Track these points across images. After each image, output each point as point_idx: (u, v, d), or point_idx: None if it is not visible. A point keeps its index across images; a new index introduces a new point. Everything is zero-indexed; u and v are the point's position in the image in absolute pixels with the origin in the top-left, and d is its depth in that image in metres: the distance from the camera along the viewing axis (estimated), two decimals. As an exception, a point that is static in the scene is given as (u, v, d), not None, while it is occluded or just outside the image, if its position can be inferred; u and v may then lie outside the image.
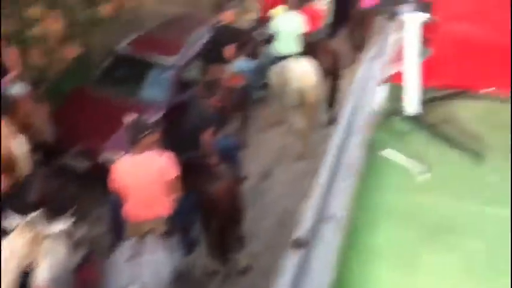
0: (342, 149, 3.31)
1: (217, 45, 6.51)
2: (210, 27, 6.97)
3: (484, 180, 3.07)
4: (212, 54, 6.46)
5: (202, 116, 4.88)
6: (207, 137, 4.73)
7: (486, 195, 2.96)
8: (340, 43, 8.32)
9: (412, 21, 3.13)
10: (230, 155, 5.20)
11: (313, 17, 7.38)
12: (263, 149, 6.80)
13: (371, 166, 3.18)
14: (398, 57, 3.49)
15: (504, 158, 3.23)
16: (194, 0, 8.68)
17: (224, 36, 6.58)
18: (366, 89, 3.38)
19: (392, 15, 2.98)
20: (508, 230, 2.69)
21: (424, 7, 2.99)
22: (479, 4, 3.80)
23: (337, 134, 3.36)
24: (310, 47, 6.81)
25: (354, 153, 3.20)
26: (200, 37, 7.11)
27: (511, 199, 2.84)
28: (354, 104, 3.29)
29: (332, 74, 7.04)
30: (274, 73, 6.73)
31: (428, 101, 3.73)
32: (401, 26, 3.39)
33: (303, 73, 6.46)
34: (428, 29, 3.39)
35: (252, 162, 6.26)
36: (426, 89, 3.66)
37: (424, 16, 3.07)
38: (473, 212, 2.84)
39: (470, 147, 3.28)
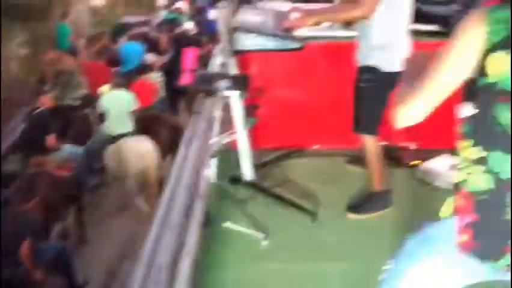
0: (183, 227, 3.16)
1: (37, 133, 6.04)
2: (27, 114, 6.48)
3: (323, 239, 3.09)
4: (32, 144, 5.96)
5: (17, 225, 4.35)
6: (25, 249, 4.21)
7: (327, 252, 2.98)
8: (177, 117, 8.08)
9: (232, 95, 3.14)
10: (59, 262, 4.68)
11: (144, 91, 7.23)
12: (108, 242, 5.96)
13: (214, 239, 3.06)
14: (228, 128, 3.50)
15: (338, 214, 3.30)
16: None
17: (45, 122, 6.14)
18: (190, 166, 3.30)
19: (210, 92, 2.91)
20: (351, 282, 2.74)
21: (241, 80, 2.98)
22: (294, 71, 4.02)
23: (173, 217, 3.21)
24: (145, 123, 6.52)
25: (194, 230, 3.06)
26: (15, 127, 6.58)
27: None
28: (183, 182, 3.19)
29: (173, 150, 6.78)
30: (110, 154, 6.25)
31: (262, 165, 3.76)
32: (221, 101, 3.42)
33: (142, 152, 6.16)
34: (251, 98, 3.45)
35: (95, 261, 5.56)
36: (260, 152, 3.70)
37: (242, 89, 3.08)
38: (316, 271, 2.82)
39: (306, 207, 3.29)
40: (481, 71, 1.56)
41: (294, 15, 3.18)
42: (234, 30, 3.12)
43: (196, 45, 8.48)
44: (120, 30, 12.15)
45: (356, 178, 3.59)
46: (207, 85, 2.93)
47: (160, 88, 8.26)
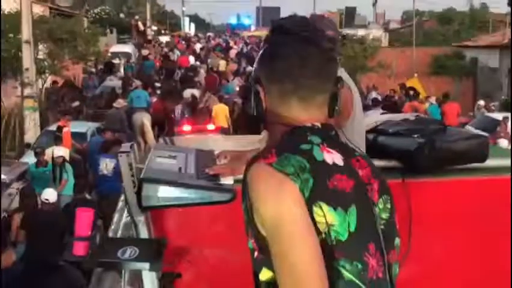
0: None
1: None
2: None
3: None
4: None
5: None
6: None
7: None
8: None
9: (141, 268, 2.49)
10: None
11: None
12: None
13: None
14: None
15: None
16: None
17: None
18: None
19: (112, 266, 2.45)
20: None
21: (152, 247, 2.45)
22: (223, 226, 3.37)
23: None
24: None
25: None
26: None
27: None
28: None
29: None
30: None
31: None
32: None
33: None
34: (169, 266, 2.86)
35: None
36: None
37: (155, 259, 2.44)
38: None
39: None
40: None
41: (222, 161, 2.70)
42: (142, 181, 2.49)
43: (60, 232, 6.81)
44: None
45: None
46: (107, 256, 2.29)
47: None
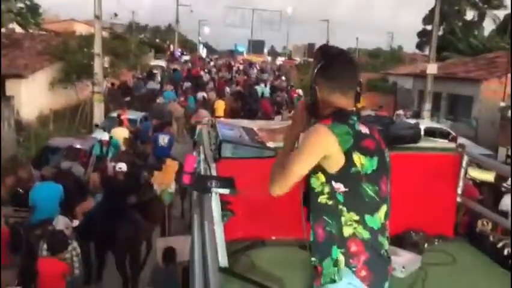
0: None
1: None
2: None
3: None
4: None
5: None
6: None
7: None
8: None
9: (221, 192, 2.63)
10: None
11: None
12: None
13: None
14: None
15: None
16: None
17: None
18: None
19: (205, 191, 2.48)
20: None
21: (228, 182, 2.57)
22: (256, 172, 3.53)
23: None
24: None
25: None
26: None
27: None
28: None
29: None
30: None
31: (234, 253, 3.15)
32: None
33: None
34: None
35: None
36: (230, 242, 3.07)
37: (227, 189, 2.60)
38: None
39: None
40: (348, 163, 1.79)
41: (260, 134, 2.90)
42: (217, 142, 2.71)
43: (128, 191, 6.52)
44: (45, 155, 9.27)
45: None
46: (203, 185, 2.45)
47: (76, 264, 5.22)
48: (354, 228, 1.79)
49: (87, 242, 6.31)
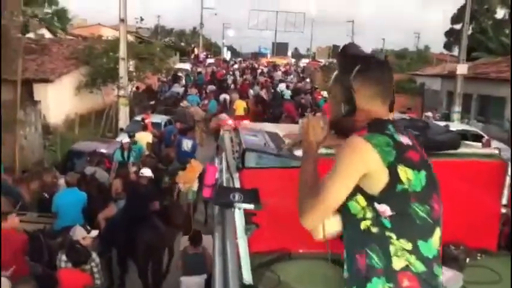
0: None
1: None
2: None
3: None
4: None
5: None
6: None
7: None
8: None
9: (244, 207, 2.44)
10: None
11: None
12: None
13: None
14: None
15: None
16: None
17: None
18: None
19: (228, 205, 2.31)
20: None
21: (254, 194, 2.36)
22: (282, 182, 3.32)
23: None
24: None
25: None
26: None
27: None
28: None
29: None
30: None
31: (258, 267, 2.95)
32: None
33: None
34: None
35: None
36: (253, 255, 2.87)
37: (251, 204, 2.40)
38: None
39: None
40: (393, 180, 1.52)
41: (287, 140, 2.66)
42: (240, 150, 2.50)
43: (151, 197, 6.39)
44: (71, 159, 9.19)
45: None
46: (225, 199, 2.22)
47: (96, 275, 4.83)
48: (407, 259, 1.53)
49: (109, 249, 6.21)
